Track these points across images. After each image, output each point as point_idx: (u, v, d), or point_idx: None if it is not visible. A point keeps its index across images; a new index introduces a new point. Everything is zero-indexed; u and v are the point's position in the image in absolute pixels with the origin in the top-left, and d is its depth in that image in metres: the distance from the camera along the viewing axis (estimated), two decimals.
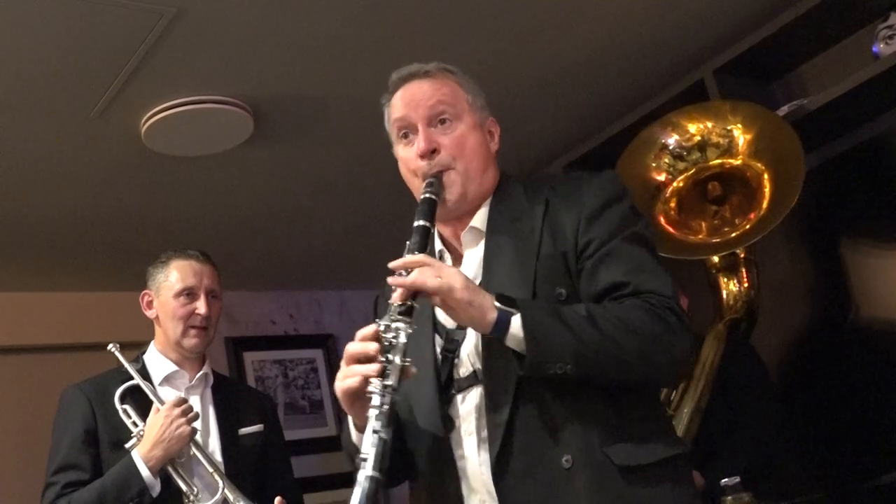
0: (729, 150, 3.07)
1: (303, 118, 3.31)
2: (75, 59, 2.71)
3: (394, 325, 1.57)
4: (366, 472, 1.45)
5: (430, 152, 1.76)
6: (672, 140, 3.15)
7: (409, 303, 1.58)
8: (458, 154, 1.77)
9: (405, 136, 1.82)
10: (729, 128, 3.06)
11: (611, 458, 1.60)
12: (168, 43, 2.72)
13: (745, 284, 3.24)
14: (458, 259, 1.83)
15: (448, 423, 1.70)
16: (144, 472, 2.37)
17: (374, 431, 1.49)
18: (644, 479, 1.61)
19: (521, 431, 1.63)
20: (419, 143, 1.77)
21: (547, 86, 3.45)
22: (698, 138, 3.11)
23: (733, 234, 3.03)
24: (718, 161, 3.09)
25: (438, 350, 1.74)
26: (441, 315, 1.75)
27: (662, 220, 3.14)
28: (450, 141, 1.77)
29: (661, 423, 1.73)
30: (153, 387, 2.56)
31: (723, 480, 2.42)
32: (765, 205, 2.95)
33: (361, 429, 1.62)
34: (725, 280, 3.25)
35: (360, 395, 1.57)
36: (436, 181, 1.74)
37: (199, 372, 2.65)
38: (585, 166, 3.96)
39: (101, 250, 4.09)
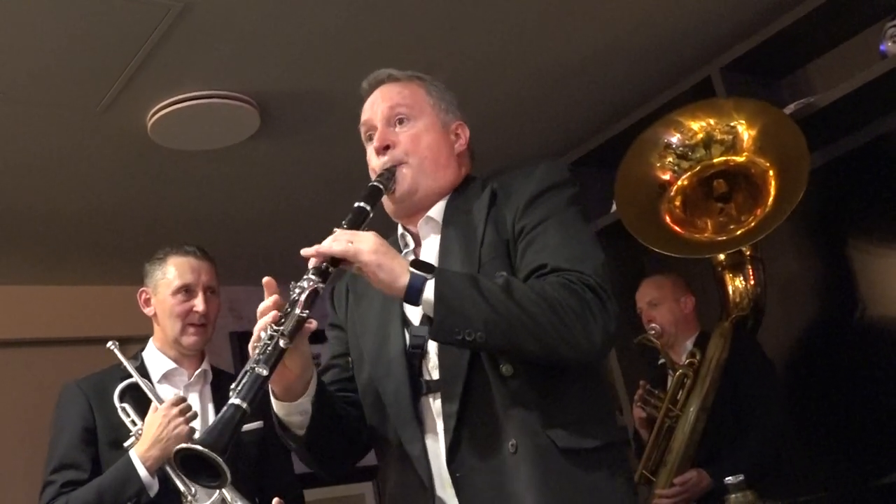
0: (733, 146, 3.05)
1: (309, 113, 3.31)
2: (81, 53, 2.71)
3: (301, 282, 1.62)
4: (232, 400, 1.49)
5: (384, 148, 1.85)
6: (675, 139, 3.14)
7: (325, 265, 1.63)
8: (412, 150, 1.84)
9: (370, 138, 1.90)
10: (732, 124, 3.05)
11: (554, 441, 1.63)
12: (175, 37, 2.73)
13: (752, 282, 3.23)
14: (418, 247, 1.89)
15: (419, 422, 1.72)
16: (142, 472, 2.34)
17: (251, 366, 1.53)
18: (585, 462, 1.64)
19: (471, 421, 1.66)
20: (375, 140, 1.87)
21: (552, 83, 3.45)
22: (701, 136, 3.10)
23: (739, 232, 3.01)
24: (723, 158, 3.07)
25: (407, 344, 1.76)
26: (409, 311, 1.79)
27: (668, 218, 3.13)
28: (405, 138, 1.85)
29: (602, 408, 1.75)
30: (152, 385, 2.53)
31: (727, 479, 2.42)
32: (770, 201, 2.94)
33: (276, 394, 1.70)
34: (732, 278, 3.24)
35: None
36: (387, 173, 1.82)
37: (197, 369, 2.61)
38: (591, 163, 3.97)
39: (107, 244, 4.09)
